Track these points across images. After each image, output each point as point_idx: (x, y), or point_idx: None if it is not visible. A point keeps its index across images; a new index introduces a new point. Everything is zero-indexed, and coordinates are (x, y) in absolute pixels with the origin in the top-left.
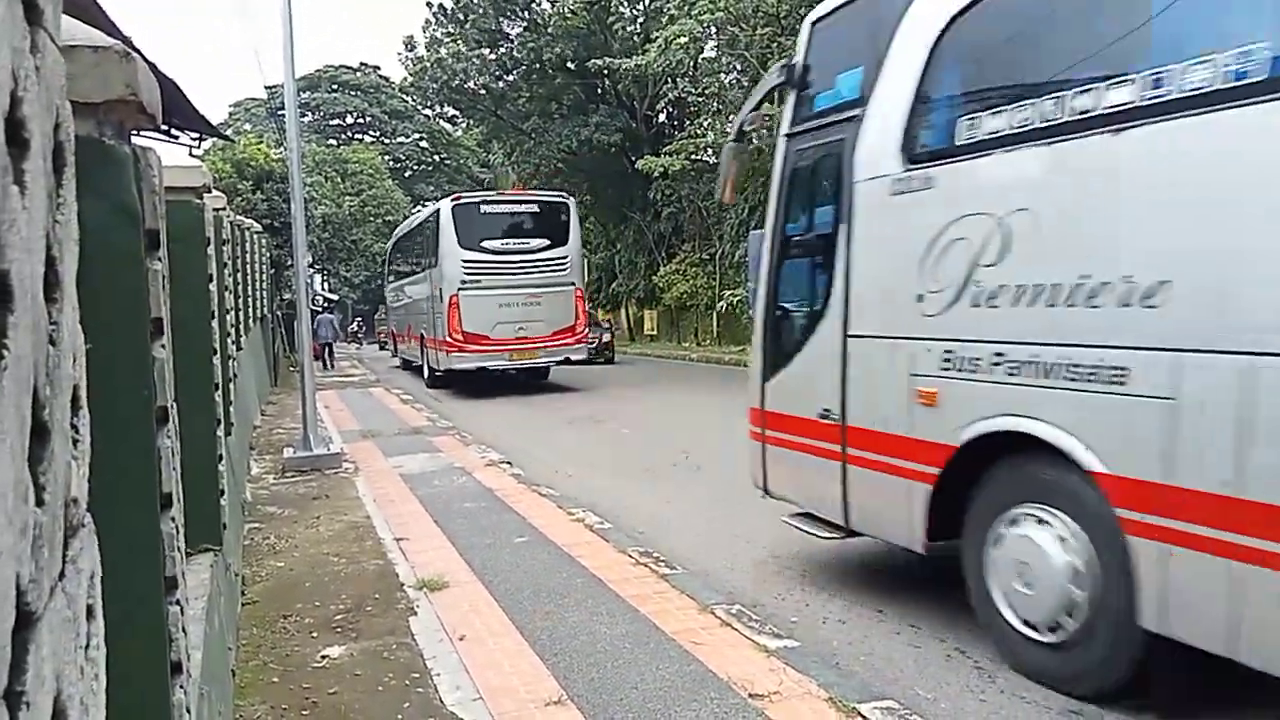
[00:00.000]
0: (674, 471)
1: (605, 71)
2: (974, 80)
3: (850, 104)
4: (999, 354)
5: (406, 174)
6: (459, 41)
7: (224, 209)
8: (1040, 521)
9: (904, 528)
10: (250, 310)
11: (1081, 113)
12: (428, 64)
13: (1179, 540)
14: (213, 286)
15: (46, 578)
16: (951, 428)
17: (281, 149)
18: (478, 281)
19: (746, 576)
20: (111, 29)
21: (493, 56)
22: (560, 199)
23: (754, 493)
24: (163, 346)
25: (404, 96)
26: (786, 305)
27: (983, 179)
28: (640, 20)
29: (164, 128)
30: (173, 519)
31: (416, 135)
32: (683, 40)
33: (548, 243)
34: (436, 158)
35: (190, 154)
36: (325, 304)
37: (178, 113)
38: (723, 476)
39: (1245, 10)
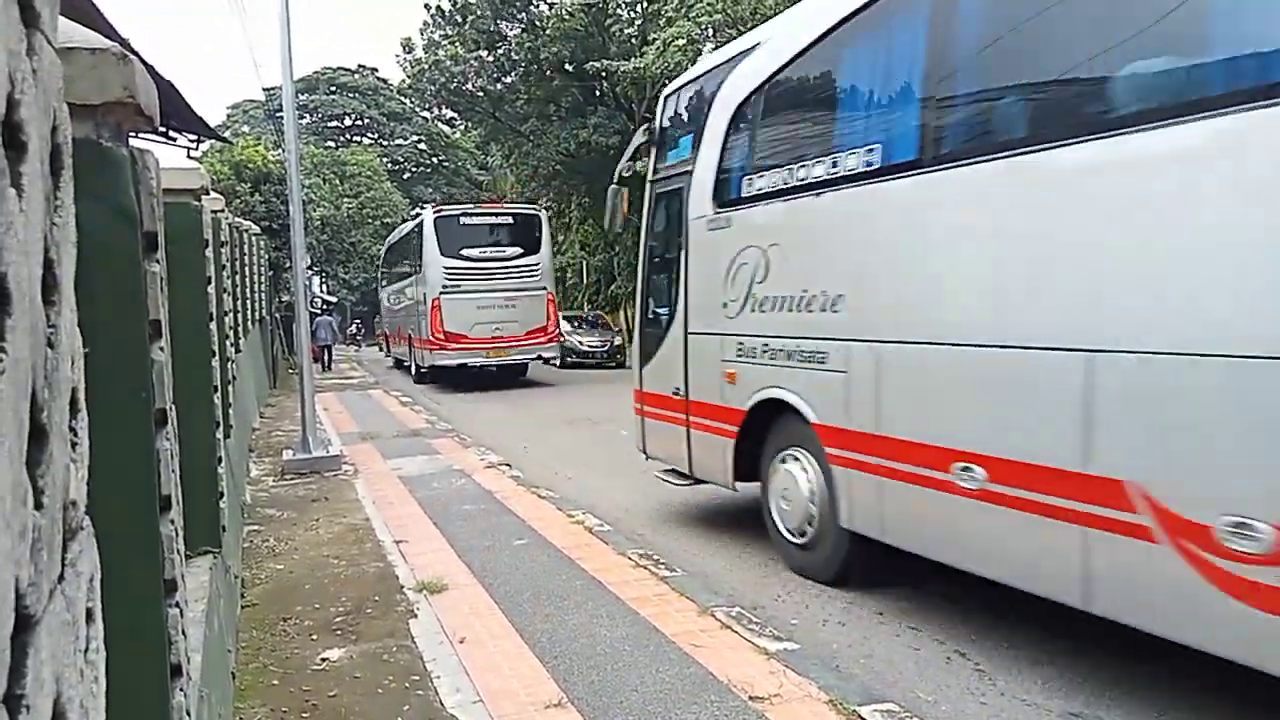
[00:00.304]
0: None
1: (603, 74)
2: (751, 151)
3: (686, 160)
4: (766, 345)
5: (405, 176)
6: (457, 43)
7: (222, 211)
8: (794, 459)
9: (721, 473)
10: (249, 312)
11: (799, 180)
12: (425, 66)
13: (853, 465)
14: (211, 288)
15: (45, 581)
16: (743, 398)
17: (279, 151)
18: (458, 286)
19: (746, 579)
20: (109, 30)
21: (490, 58)
22: (533, 211)
23: (754, 497)
24: (161, 349)
25: (402, 99)
26: (653, 310)
27: (756, 221)
28: (638, 23)
29: (162, 129)
30: (172, 521)
31: (415, 137)
32: (681, 43)
33: (521, 251)
34: (435, 160)
35: (188, 156)
36: (324, 306)
37: (176, 114)
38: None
39: (864, 127)
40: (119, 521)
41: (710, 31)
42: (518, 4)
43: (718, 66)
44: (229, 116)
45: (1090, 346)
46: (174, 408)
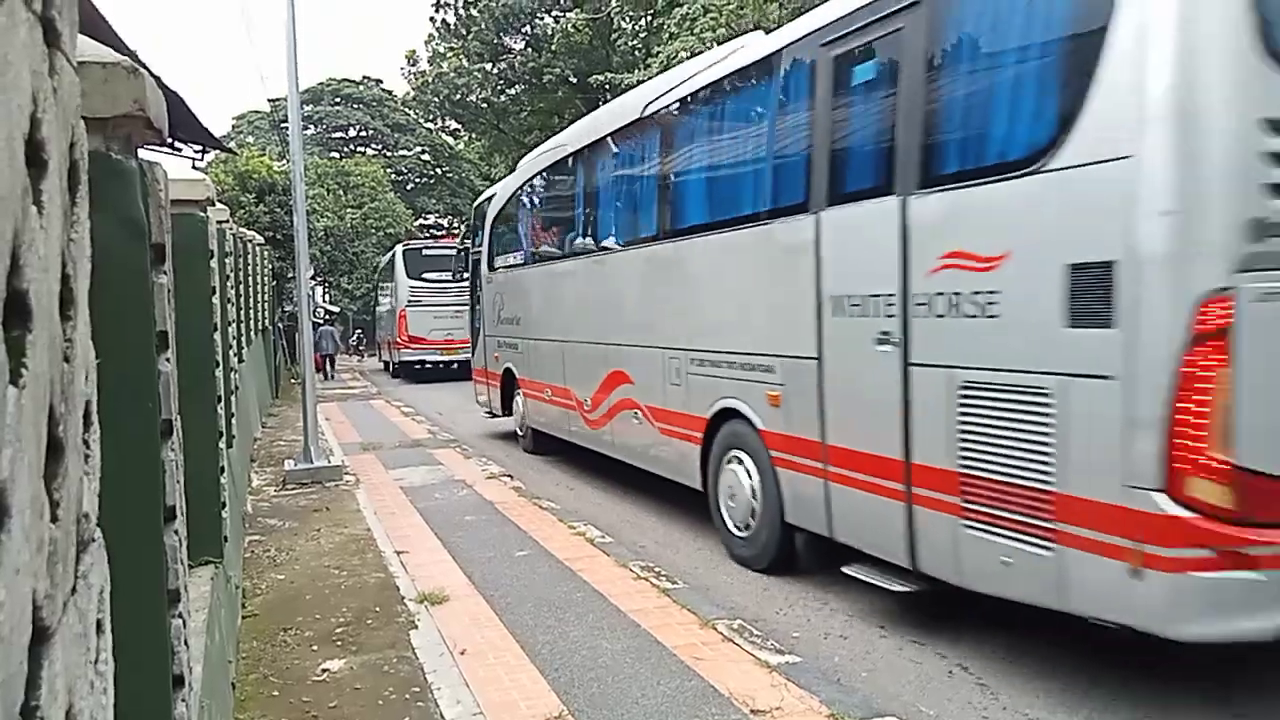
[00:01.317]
0: (675, 486)
1: (607, 87)
2: (498, 244)
3: (478, 244)
4: (503, 341)
5: (409, 187)
6: (461, 56)
7: (227, 221)
8: (519, 395)
9: (495, 404)
10: (252, 322)
11: (507, 263)
12: (429, 78)
13: (528, 395)
14: (215, 299)
15: (60, 593)
16: (499, 367)
17: (284, 161)
18: (419, 300)
19: (748, 591)
20: (117, 42)
21: (494, 70)
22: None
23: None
24: (168, 360)
25: (406, 110)
26: (474, 323)
27: (498, 280)
28: (642, 36)
29: (168, 140)
30: (176, 532)
31: (419, 148)
32: (684, 57)
33: (469, 276)
34: (439, 170)
35: (194, 166)
36: (326, 316)
37: (182, 126)
38: None
39: (529, 239)
40: (124, 532)
41: (715, 46)
42: (521, 17)
43: (488, 199)
44: (234, 127)
45: (614, 343)
46: (179, 418)
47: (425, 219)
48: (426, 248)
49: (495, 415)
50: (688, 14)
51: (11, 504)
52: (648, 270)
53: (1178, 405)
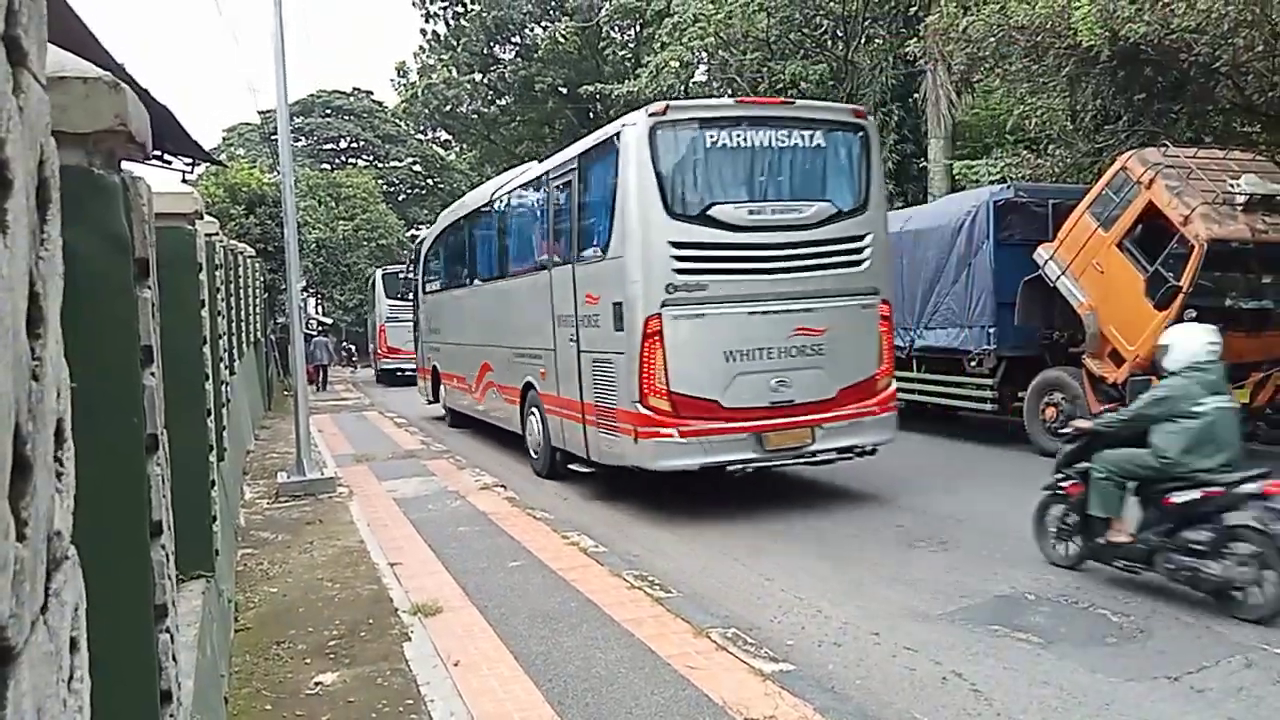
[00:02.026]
0: (666, 493)
1: (597, 97)
2: (425, 273)
3: (416, 273)
4: (433, 346)
5: (400, 198)
6: (451, 67)
7: (217, 234)
8: (444, 383)
9: (428, 391)
10: (244, 335)
11: (431, 288)
12: (419, 90)
13: (449, 384)
14: (204, 312)
15: (28, 612)
16: (429, 365)
17: (275, 173)
18: (396, 318)
19: (742, 599)
20: (104, 56)
21: (484, 81)
22: None
23: (754, 512)
24: (152, 374)
25: (397, 121)
26: (416, 332)
27: (429, 301)
28: (631, 46)
29: (157, 153)
30: (163, 546)
31: (410, 159)
32: (674, 66)
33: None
34: (430, 181)
35: (183, 179)
36: (319, 328)
37: (171, 138)
38: (713, 495)
39: (443, 273)
40: (108, 548)
41: (704, 55)
42: (511, 28)
43: (421, 240)
44: (224, 140)
45: (483, 344)
46: (165, 432)
47: (417, 230)
48: (400, 272)
49: (431, 401)
50: (678, 23)
51: None
52: (494, 297)
53: (643, 364)
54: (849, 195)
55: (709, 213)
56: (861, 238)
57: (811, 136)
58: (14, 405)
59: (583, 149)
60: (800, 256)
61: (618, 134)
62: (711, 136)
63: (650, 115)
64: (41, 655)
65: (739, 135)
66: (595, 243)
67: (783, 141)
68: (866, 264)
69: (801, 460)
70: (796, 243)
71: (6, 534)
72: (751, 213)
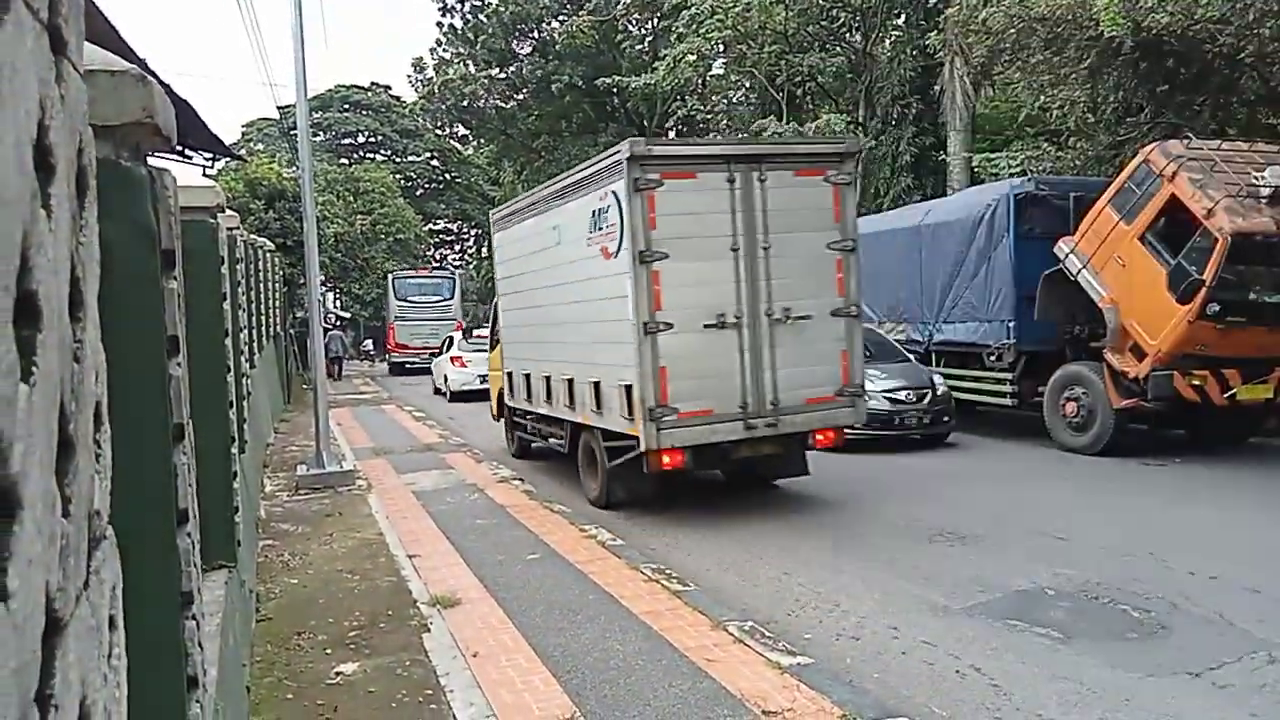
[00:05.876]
0: (683, 488)
1: (615, 90)
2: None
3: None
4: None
5: (418, 192)
6: (468, 62)
7: (237, 228)
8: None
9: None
10: (263, 328)
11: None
12: (436, 86)
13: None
14: (226, 305)
15: (73, 586)
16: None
17: (294, 168)
18: (404, 316)
19: (759, 593)
20: (127, 51)
21: (502, 76)
22: (450, 274)
23: (767, 507)
24: (178, 364)
25: (415, 116)
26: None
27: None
28: (649, 39)
29: (179, 148)
30: (189, 534)
31: (427, 154)
32: (691, 58)
33: (439, 298)
34: (447, 176)
35: (204, 174)
36: (338, 321)
37: (192, 133)
38: (733, 492)
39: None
40: (138, 533)
41: (721, 47)
42: (529, 23)
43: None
44: (244, 134)
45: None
46: (190, 422)
47: (435, 224)
48: (410, 276)
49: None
50: (695, 16)
51: (24, 497)
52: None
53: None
54: None
55: None
56: None
57: None
58: (59, 385)
59: None
60: None
61: None
62: None
63: None
64: (85, 629)
65: None
66: None
67: None
68: None
69: None
70: None
71: (54, 509)
72: None
